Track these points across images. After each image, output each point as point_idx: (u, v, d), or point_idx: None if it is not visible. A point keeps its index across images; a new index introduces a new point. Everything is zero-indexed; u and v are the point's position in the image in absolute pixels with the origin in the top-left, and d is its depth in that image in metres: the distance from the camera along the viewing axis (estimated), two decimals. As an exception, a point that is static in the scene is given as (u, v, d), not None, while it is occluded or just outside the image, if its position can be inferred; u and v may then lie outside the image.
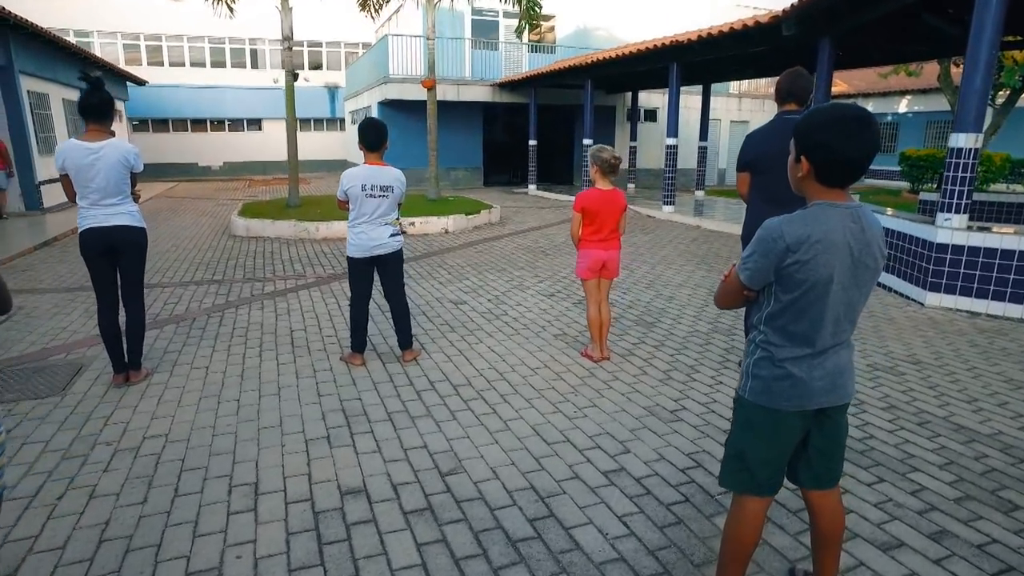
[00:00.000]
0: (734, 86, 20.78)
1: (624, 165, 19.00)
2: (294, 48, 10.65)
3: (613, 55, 12.24)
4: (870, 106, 22.50)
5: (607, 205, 3.89)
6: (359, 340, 4.07)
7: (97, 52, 21.95)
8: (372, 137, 3.81)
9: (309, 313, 5.33)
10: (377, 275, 4.04)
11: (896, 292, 5.98)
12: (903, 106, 21.82)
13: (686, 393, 3.61)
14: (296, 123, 11.16)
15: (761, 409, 1.62)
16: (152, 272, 7.00)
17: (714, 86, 16.88)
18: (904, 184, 18.09)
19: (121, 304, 3.70)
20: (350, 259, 3.97)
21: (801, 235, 1.49)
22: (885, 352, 4.35)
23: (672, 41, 10.45)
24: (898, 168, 17.59)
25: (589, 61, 13.07)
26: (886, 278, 6.16)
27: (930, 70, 17.95)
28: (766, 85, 21.07)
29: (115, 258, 3.62)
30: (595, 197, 3.88)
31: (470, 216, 10.39)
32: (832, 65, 8.03)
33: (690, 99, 18.99)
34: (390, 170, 3.88)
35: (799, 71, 3.44)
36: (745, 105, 21.07)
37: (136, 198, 3.68)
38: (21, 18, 10.48)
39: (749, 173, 3.56)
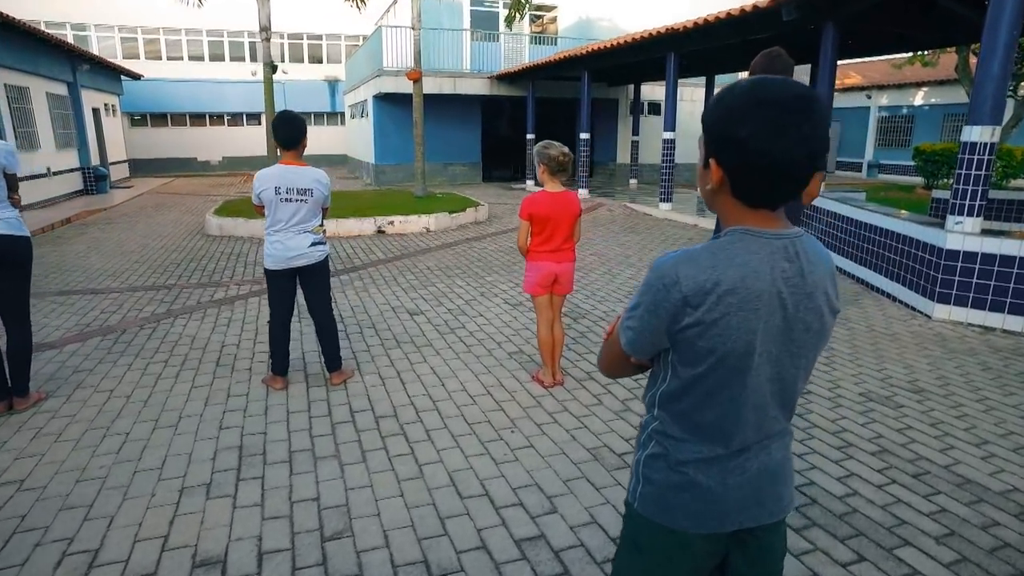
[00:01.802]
0: (741, 78, 20.01)
1: (627, 160, 18.39)
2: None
3: (608, 45, 11.66)
4: (884, 99, 21.65)
5: (558, 210, 3.38)
6: (280, 362, 3.60)
7: (94, 46, 21.72)
8: (286, 133, 3.33)
9: (250, 324, 4.87)
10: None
11: (901, 302, 5.40)
12: (919, 98, 20.92)
13: (642, 430, 3.10)
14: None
15: (653, 527, 1.11)
16: (103, 276, 6.60)
17: (719, 77, 16.20)
18: (918, 180, 17.32)
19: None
20: (267, 271, 3.50)
21: (705, 282, 0.96)
22: (883, 377, 3.80)
23: (667, 29, 9.86)
24: (912, 163, 16.84)
25: (584, 52, 12.49)
26: (890, 286, 5.58)
27: (947, 61, 17.15)
28: (775, 77, 20.27)
29: (-9, 271, 3.18)
30: (544, 201, 3.37)
31: (454, 214, 9.89)
32: (837, 53, 7.42)
33: (695, 92, 18.35)
34: (309, 170, 3.40)
35: (777, 51, 2.92)
36: (753, 98, 20.28)
37: (15, 203, 3.23)
38: (-8, 8, 10.10)
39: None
